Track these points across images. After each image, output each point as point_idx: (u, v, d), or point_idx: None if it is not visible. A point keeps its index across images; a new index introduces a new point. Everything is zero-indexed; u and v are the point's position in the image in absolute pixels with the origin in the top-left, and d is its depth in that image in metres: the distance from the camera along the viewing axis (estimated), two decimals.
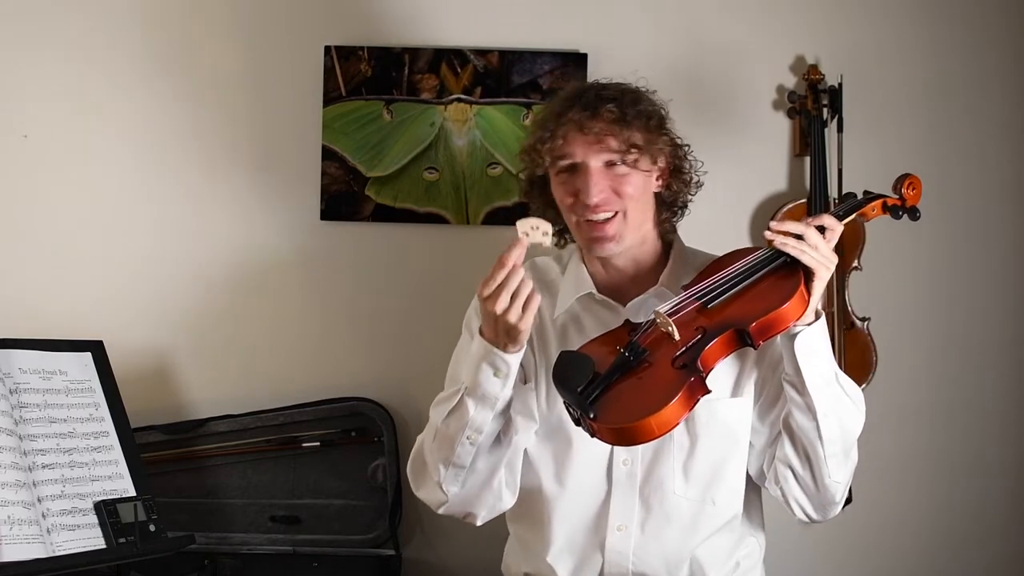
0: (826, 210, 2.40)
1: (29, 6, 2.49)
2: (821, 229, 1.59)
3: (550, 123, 1.72)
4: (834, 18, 2.50)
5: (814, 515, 1.75)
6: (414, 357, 2.50)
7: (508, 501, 1.78)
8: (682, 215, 1.86)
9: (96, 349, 2.01)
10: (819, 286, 1.57)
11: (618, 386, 1.56)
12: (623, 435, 1.53)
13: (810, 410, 1.63)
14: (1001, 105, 2.51)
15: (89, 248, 2.50)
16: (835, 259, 1.59)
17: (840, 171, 2.43)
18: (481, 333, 1.63)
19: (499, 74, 2.47)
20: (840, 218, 1.64)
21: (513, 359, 1.61)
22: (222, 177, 2.50)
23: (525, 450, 1.78)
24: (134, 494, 1.87)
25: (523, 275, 1.56)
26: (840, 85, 2.44)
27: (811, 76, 2.45)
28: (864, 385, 2.46)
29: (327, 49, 2.48)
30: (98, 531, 1.79)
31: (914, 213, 1.80)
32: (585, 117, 1.68)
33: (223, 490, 2.43)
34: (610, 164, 1.70)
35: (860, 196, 1.78)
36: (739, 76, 2.50)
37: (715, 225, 2.50)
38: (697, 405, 1.53)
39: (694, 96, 2.48)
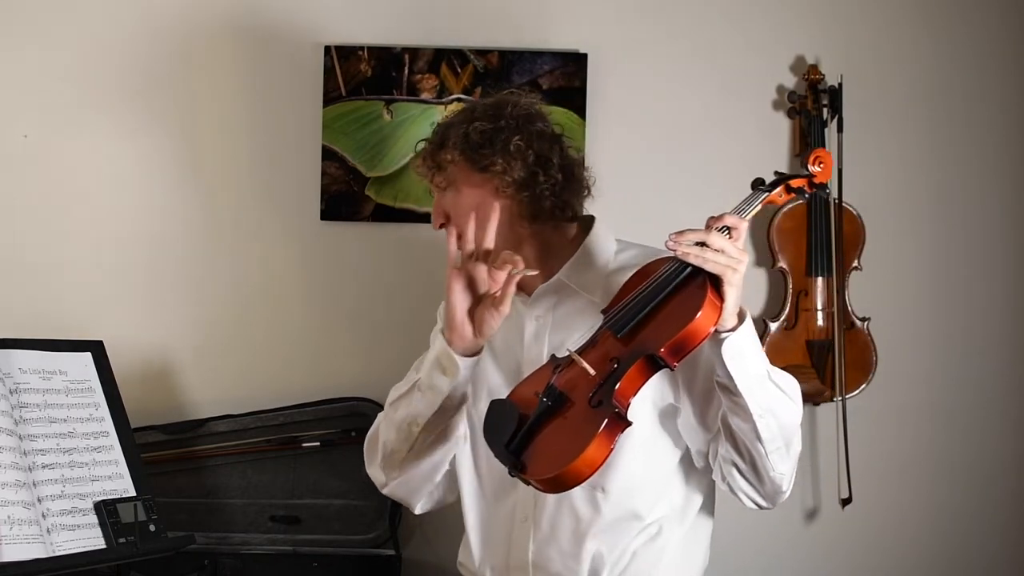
0: (826, 209, 2.42)
1: (29, 6, 2.48)
2: (726, 230, 1.55)
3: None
4: (834, 18, 2.50)
5: (764, 504, 1.74)
6: (414, 357, 2.49)
7: (449, 497, 1.88)
8: (563, 216, 1.80)
9: (96, 349, 2.01)
10: (731, 291, 1.53)
11: (542, 434, 1.55)
12: (555, 483, 1.52)
13: (745, 411, 1.61)
14: (1001, 105, 2.51)
15: (89, 248, 2.50)
16: (745, 259, 1.54)
17: (840, 171, 2.43)
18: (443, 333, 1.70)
19: (499, 74, 2.47)
20: (743, 214, 1.60)
21: (462, 363, 1.66)
22: (222, 177, 2.51)
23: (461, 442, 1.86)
24: (134, 494, 1.87)
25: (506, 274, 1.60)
26: (840, 85, 2.44)
27: (811, 76, 2.45)
28: (864, 385, 2.46)
29: (327, 49, 2.48)
30: (98, 531, 1.79)
31: (823, 189, 1.72)
32: (425, 149, 1.81)
33: (223, 490, 2.43)
34: (440, 188, 1.79)
35: (767, 182, 1.70)
36: (739, 76, 2.50)
37: None
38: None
39: (694, 96, 2.49)
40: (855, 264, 2.46)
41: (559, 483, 1.51)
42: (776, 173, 1.70)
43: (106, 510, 1.81)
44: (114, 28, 2.49)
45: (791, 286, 2.46)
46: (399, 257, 2.51)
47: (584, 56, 2.47)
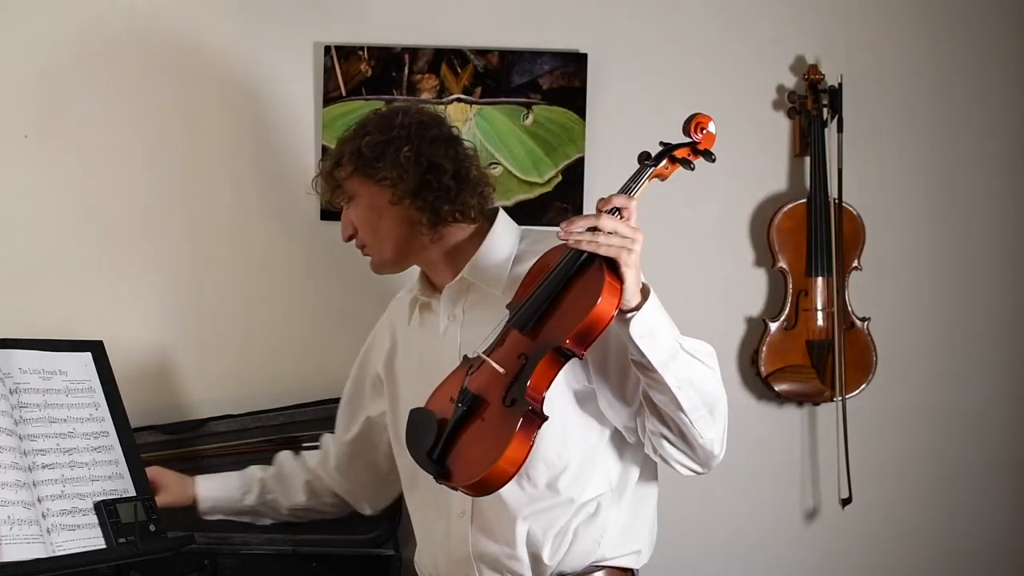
0: (826, 209, 2.42)
1: (29, 6, 2.48)
2: (616, 211, 1.54)
3: None
4: (834, 18, 2.50)
5: (699, 470, 1.74)
6: None
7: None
8: (463, 217, 1.83)
9: (96, 349, 2.01)
10: (629, 271, 1.52)
11: (462, 439, 1.55)
12: (481, 487, 1.52)
13: (663, 385, 1.60)
14: (1001, 105, 2.51)
15: (89, 248, 2.50)
16: (638, 236, 1.52)
17: (840, 171, 2.43)
18: None
19: (499, 74, 2.47)
20: (631, 192, 1.58)
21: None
22: (222, 177, 2.50)
23: (390, 446, 2.00)
24: (134, 494, 1.87)
25: None
26: (840, 85, 2.44)
27: (811, 76, 2.45)
28: (864, 385, 2.46)
29: (327, 49, 2.48)
30: (98, 531, 1.79)
31: (709, 156, 1.65)
32: (324, 167, 1.93)
33: None
34: (341, 203, 1.90)
35: (651, 156, 1.64)
36: (739, 76, 2.50)
37: (715, 225, 2.51)
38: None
39: (694, 96, 2.48)
40: (855, 264, 2.46)
41: (485, 486, 1.52)
42: (661, 143, 1.64)
43: (106, 510, 1.81)
44: (114, 28, 2.49)
45: (791, 286, 2.46)
46: None
47: (584, 56, 2.47)
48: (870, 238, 2.46)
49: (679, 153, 1.62)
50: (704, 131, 1.63)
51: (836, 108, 2.44)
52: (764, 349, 2.45)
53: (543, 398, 1.52)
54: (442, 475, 1.55)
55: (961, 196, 2.51)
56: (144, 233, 2.50)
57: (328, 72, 2.48)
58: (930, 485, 2.53)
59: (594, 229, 1.51)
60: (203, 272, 2.51)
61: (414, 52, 2.48)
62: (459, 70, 2.48)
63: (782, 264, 2.46)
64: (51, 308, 2.46)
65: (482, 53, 2.48)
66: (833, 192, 2.43)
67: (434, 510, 1.88)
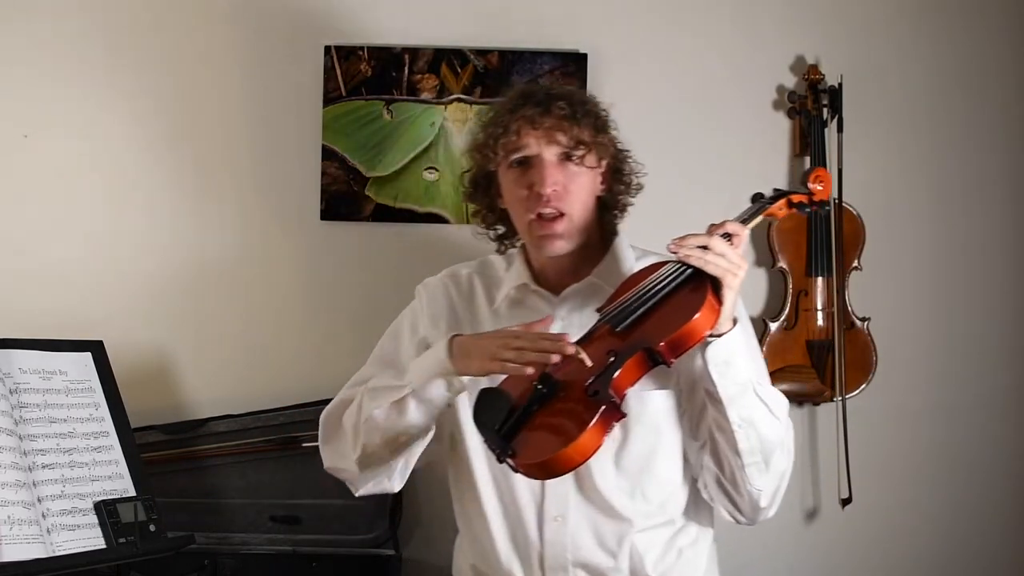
0: (826, 209, 2.42)
1: (29, 6, 2.48)
2: (727, 236, 1.58)
3: (503, 119, 1.76)
4: (834, 18, 2.50)
5: (742, 519, 1.75)
6: None
7: (396, 487, 1.84)
8: (622, 216, 1.86)
9: (96, 349, 2.01)
10: (730, 294, 1.57)
11: (534, 420, 1.56)
12: (543, 469, 1.53)
13: (726, 420, 1.63)
14: (1001, 105, 2.51)
15: (89, 248, 2.50)
16: (744, 265, 1.58)
17: (840, 171, 2.43)
18: (451, 343, 1.65)
19: (499, 74, 2.47)
20: (745, 222, 1.64)
21: (468, 380, 1.67)
22: (222, 177, 2.51)
23: (466, 442, 1.82)
24: (134, 494, 1.87)
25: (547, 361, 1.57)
26: (840, 85, 2.44)
27: (811, 76, 2.45)
28: (864, 385, 2.46)
29: (327, 49, 2.48)
30: (98, 531, 1.79)
31: (823, 207, 1.77)
32: (538, 113, 1.73)
33: (223, 490, 2.43)
34: (562, 160, 1.73)
35: (767, 195, 1.75)
36: (739, 76, 2.50)
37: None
38: (627, 401, 1.55)
39: (694, 96, 2.49)
40: (855, 264, 2.46)
41: (549, 469, 1.53)
42: (775, 190, 1.75)
43: (106, 510, 1.81)
44: (114, 29, 2.49)
45: (791, 286, 2.46)
46: (399, 257, 2.50)
47: (584, 56, 2.47)
48: (870, 238, 2.46)
49: (796, 198, 1.74)
50: (823, 184, 1.75)
51: (836, 108, 2.44)
52: (764, 349, 2.45)
53: (624, 396, 1.54)
54: (506, 453, 1.54)
55: (961, 196, 2.51)
56: (145, 233, 2.51)
57: (328, 72, 2.48)
58: (930, 485, 2.53)
59: (704, 249, 1.55)
60: (204, 272, 2.51)
61: (414, 52, 2.48)
62: (459, 70, 2.48)
63: (782, 264, 2.46)
64: (51, 308, 2.46)
65: (482, 53, 2.48)
66: (833, 192, 2.43)
67: (515, 514, 1.79)
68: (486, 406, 1.60)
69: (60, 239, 2.50)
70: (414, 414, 1.69)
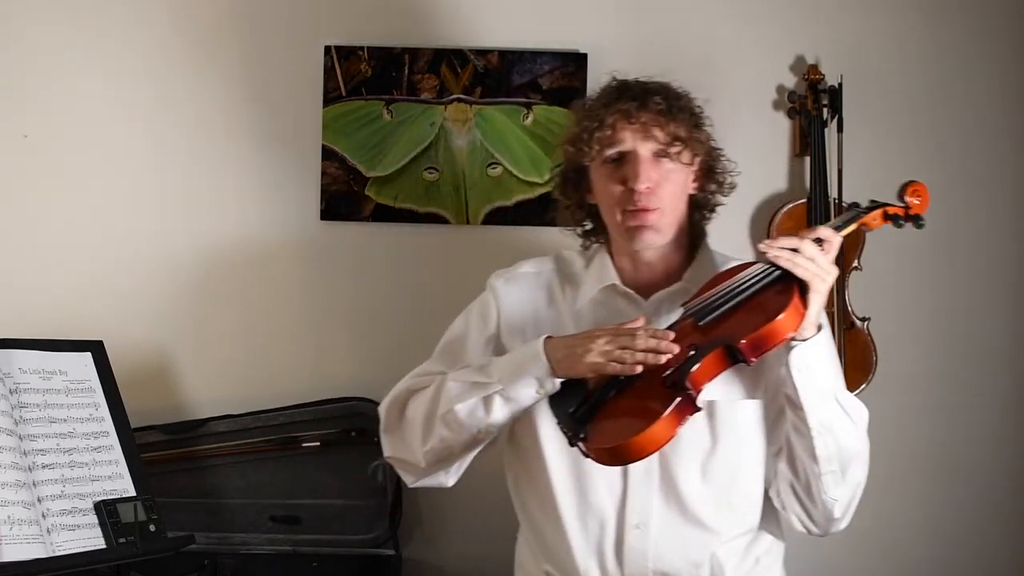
0: (826, 209, 2.42)
1: (29, 7, 2.48)
2: (819, 241, 1.58)
3: (598, 113, 1.73)
4: (834, 18, 2.50)
5: (814, 529, 1.75)
6: (414, 357, 2.48)
7: (452, 482, 1.81)
8: (711, 217, 1.85)
9: (96, 349, 2.01)
10: (817, 299, 1.56)
11: (609, 406, 1.56)
12: (614, 455, 1.54)
13: (805, 425, 1.62)
14: (1001, 105, 2.51)
15: (89, 248, 2.50)
16: (834, 271, 1.57)
17: (840, 171, 2.43)
18: (547, 343, 1.63)
19: (499, 74, 2.47)
20: (838, 229, 1.63)
21: (561, 382, 1.63)
22: (222, 177, 2.51)
23: (541, 445, 1.75)
24: (134, 494, 1.87)
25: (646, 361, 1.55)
26: (840, 85, 2.44)
27: (811, 76, 2.45)
28: (864, 385, 2.46)
29: (327, 49, 2.48)
30: (98, 531, 1.79)
31: (918, 221, 1.77)
32: (633, 107, 1.70)
33: (223, 490, 2.43)
34: (657, 156, 1.71)
35: (863, 205, 1.75)
36: (739, 76, 2.50)
37: (715, 225, 2.49)
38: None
39: (694, 96, 2.48)
40: (855, 264, 2.46)
41: (619, 455, 1.53)
42: (871, 200, 1.75)
43: (106, 510, 1.81)
44: (113, 29, 2.49)
45: None
46: (399, 257, 2.50)
47: (584, 56, 2.47)
48: (870, 238, 2.46)
49: (892, 210, 1.73)
50: (920, 199, 1.75)
51: (836, 108, 2.44)
52: None
53: (701, 390, 1.53)
54: (578, 435, 1.54)
55: (961, 196, 2.51)
56: (145, 233, 2.51)
57: (328, 72, 2.48)
58: (930, 485, 2.53)
59: (794, 251, 1.55)
60: (204, 272, 2.51)
61: (414, 52, 2.48)
62: (459, 70, 2.48)
63: None
64: (51, 308, 2.46)
65: (482, 53, 2.48)
66: (833, 192, 2.43)
67: (594, 520, 1.74)
68: (561, 388, 1.61)
69: (60, 239, 2.50)
70: (499, 412, 1.66)
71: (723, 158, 1.81)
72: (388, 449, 1.83)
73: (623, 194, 1.70)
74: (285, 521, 2.42)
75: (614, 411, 1.56)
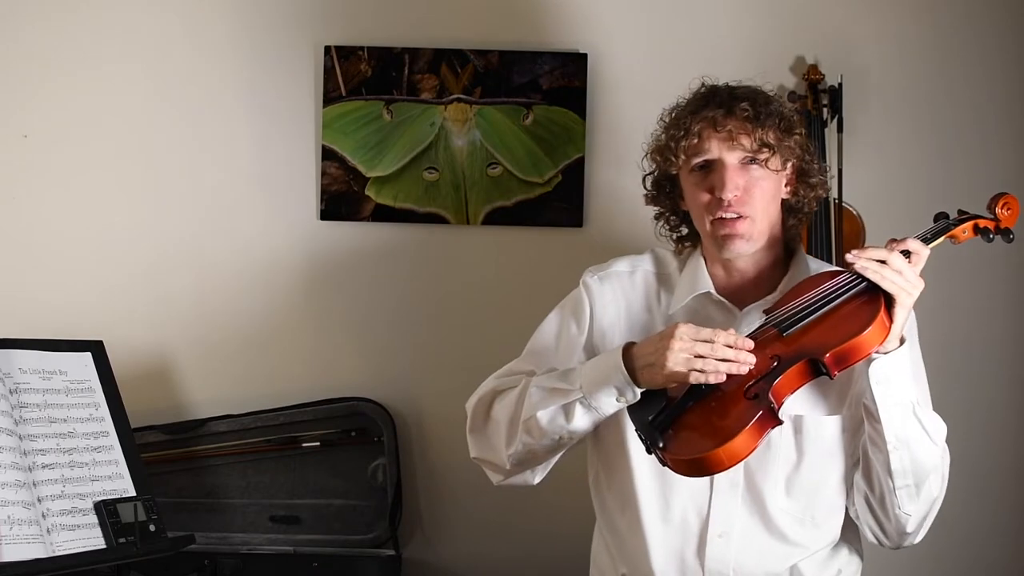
0: (826, 209, 2.42)
1: (29, 8, 2.48)
2: (907, 253, 1.56)
3: (684, 121, 1.71)
4: (834, 18, 2.50)
5: (886, 542, 1.74)
6: (414, 357, 2.50)
7: (537, 480, 1.79)
8: (806, 222, 1.82)
9: (96, 349, 2.01)
10: (902, 312, 1.54)
11: (689, 415, 1.53)
12: (692, 466, 1.51)
13: (881, 438, 1.61)
14: (1002, 104, 2.51)
15: (89, 248, 2.50)
16: (920, 284, 1.55)
17: (840, 171, 2.43)
18: (627, 352, 1.60)
19: (499, 74, 2.47)
20: (927, 242, 1.60)
21: (641, 391, 1.60)
22: (222, 177, 2.51)
23: (627, 446, 1.74)
24: (134, 494, 1.87)
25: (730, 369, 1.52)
26: (840, 85, 2.44)
27: (811, 76, 2.45)
28: None
29: (327, 49, 2.48)
30: (98, 531, 1.79)
31: (1008, 235, 1.69)
32: (720, 115, 1.68)
33: (223, 490, 2.43)
34: (744, 163, 1.68)
35: (952, 217, 1.71)
36: (739, 76, 2.48)
37: None
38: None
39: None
40: None
41: (698, 467, 1.50)
42: (960, 211, 1.71)
43: (106, 510, 1.81)
44: (113, 29, 2.49)
45: None
46: (399, 257, 2.50)
47: (584, 56, 2.47)
48: (870, 238, 2.46)
49: (982, 223, 1.68)
50: (1010, 211, 1.69)
51: (836, 108, 2.44)
52: None
53: (783, 403, 1.51)
54: (655, 444, 1.51)
55: (961, 196, 2.50)
56: (145, 233, 2.51)
57: (328, 72, 2.48)
58: None
59: (882, 263, 1.53)
60: (203, 272, 2.51)
61: (414, 52, 2.48)
62: (459, 70, 2.48)
63: None
64: (51, 308, 2.46)
65: (482, 53, 2.48)
66: (833, 192, 2.43)
67: (676, 527, 1.72)
68: (642, 398, 1.59)
69: (60, 239, 2.50)
70: (580, 420, 1.63)
71: (816, 162, 1.78)
72: (474, 450, 1.79)
73: (712, 202, 1.68)
74: (285, 521, 2.42)
75: (693, 421, 1.53)
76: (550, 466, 1.78)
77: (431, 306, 2.50)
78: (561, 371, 1.71)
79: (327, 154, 2.48)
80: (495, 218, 2.48)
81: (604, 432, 1.75)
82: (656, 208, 1.83)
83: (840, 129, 2.44)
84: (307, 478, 2.44)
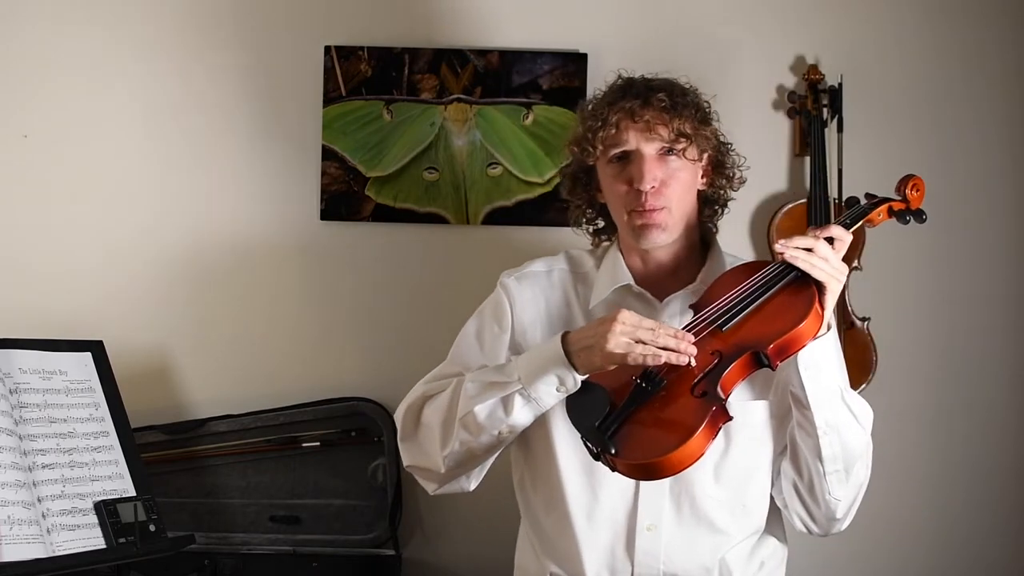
0: (826, 209, 2.42)
1: (29, 8, 2.49)
2: (830, 240, 1.57)
3: (602, 112, 1.72)
4: (834, 18, 2.50)
5: (815, 529, 1.74)
6: (414, 357, 2.49)
7: (472, 487, 1.78)
8: (723, 213, 1.84)
9: (96, 349, 2.01)
10: (831, 299, 1.56)
11: (636, 418, 1.51)
12: (646, 471, 1.50)
13: (811, 424, 1.61)
14: (1002, 104, 2.51)
15: (89, 248, 2.50)
16: (845, 270, 1.56)
17: (840, 171, 2.43)
18: (564, 339, 1.58)
19: (499, 74, 2.47)
20: (848, 227, 1.62)
21: (582, 378, 1.59)
22: (222, 177, 2.51)
23: (553, 445, 1.73)
24: (134, 494, 1.87)
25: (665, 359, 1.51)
26: (840, 85, 2.44)
27: (811, 76, 2.45)
28: (864, 385, 2.46)
29: (327, 49, 2.48)
30: (98, 531, 1.79)
31: (920, 216, 1.75)
32: (637, 105, 1.69)
33: (223, 490, 2.43)
34: (662, 154, 1.69)
35: (863, 201, 1.74)
36: (739, 76, 2.50)
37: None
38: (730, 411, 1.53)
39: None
40: (855, 264, 2.46)
41: (652, 471, 1.49)
42: (868, 195, 1.74)
43: (106, 510, 1.81)
44: (113, 29, 2.49)
45: None
46: (399, 257, 2.50)
47: (584, 56, 2.47)
48: (870, 238, 2.46)
49: (896, 206, 1.72)
50: (918, 192, 1.74)
51: (836, 108, 2.44)
52: None
53: (729, 397, 1.51)
54: (606, 450, 1.49)
55: (961, 195, 2.51)
56: (145, 233, 2.51)
57: (328, 72, 2.48)
58: (929, 485, 2.53)
59: (808, 251, 1.54)
60: (204, 272, 2.51)
61: (414, 52, 2.48)
62: (459, 70, 2.48)
63: None
64: (51, 308, 2.46)
65: (482, 53, 2.48)
66: (833, 192, 2.43)
67: (604, 522, 1.72)
68: (582, 401, 1.57)
69: (60, 239, 2.50)
70: (519, 413, 1.62)
71: (732, 152, 1.80)
72: (407, 458, 1.78)
73: (629, 194, 1.69)
74: (285, 521, 2.42)
75: (643, 424, 1.51)
76: (485, 470, 1.77)
77: (431, 306, 2.49)
78: (495, 366, 1.70)
79: (327, 154, 2.48)
80: (495, 218, 2.48)
81: (530, 432, 1.73)
82: (573, 200, 1.84)
83: (840, 129, 2.44)
84: (307, 478, 2.44)
